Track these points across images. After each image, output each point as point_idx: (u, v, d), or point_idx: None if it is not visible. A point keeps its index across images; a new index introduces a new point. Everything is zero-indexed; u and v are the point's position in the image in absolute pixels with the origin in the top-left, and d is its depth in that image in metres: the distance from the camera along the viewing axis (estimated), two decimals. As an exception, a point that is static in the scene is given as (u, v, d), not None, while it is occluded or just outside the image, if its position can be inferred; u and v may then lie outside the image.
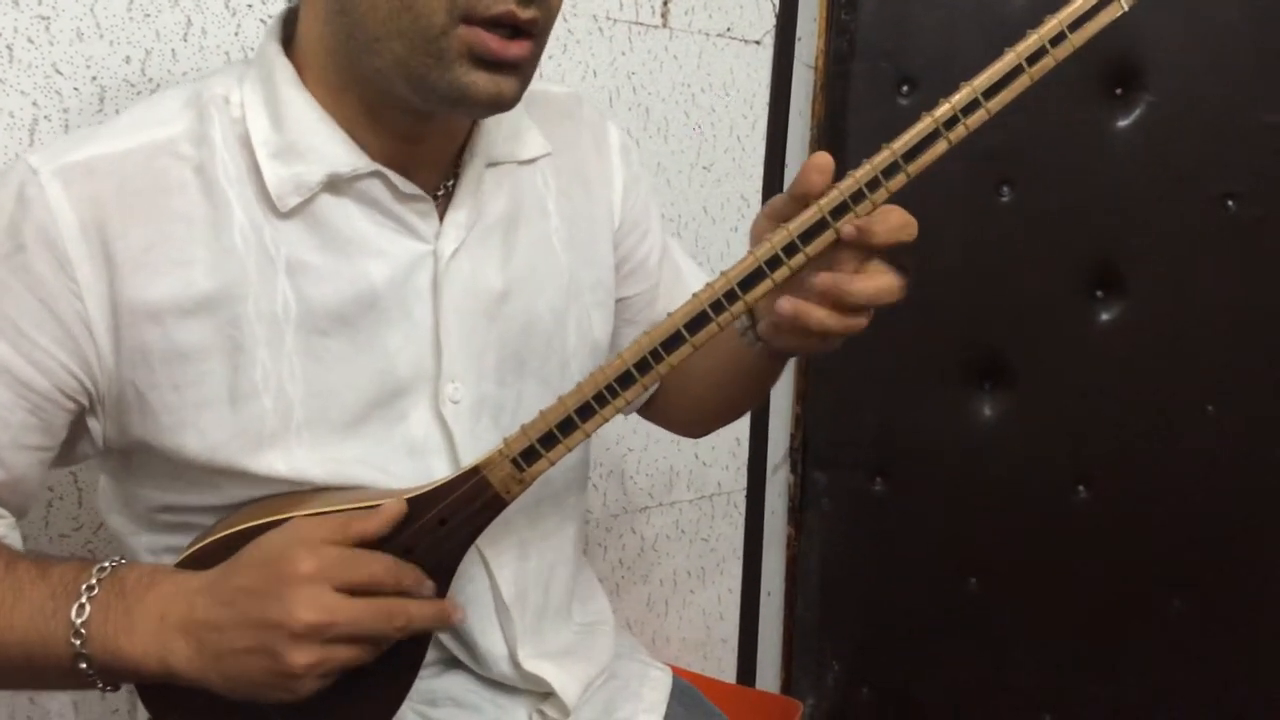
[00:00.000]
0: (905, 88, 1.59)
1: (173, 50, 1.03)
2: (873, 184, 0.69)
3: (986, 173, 1.59)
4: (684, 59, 1.50)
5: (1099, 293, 1.61)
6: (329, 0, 0.73)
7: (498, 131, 0.84)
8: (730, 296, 0.71)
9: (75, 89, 0.98)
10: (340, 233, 0.76)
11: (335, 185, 0.76)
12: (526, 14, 0.70)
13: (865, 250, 0.72)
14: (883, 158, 0.69)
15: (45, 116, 0.97)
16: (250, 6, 1.07)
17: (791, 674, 1.77)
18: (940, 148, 0.69)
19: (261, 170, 0.74)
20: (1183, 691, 1.67)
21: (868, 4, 1.58)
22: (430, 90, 0.72)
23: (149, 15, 1.01)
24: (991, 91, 0.68)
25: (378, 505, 0.73)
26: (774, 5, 1.59)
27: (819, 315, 0.71)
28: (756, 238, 0.74)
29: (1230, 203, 1.58)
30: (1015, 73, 0.68)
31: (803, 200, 0.71)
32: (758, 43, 1.59)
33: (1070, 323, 1.62)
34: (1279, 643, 1.66)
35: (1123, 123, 1.57)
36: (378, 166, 0.76)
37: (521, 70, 0.73)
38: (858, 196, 0.70)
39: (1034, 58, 0.68)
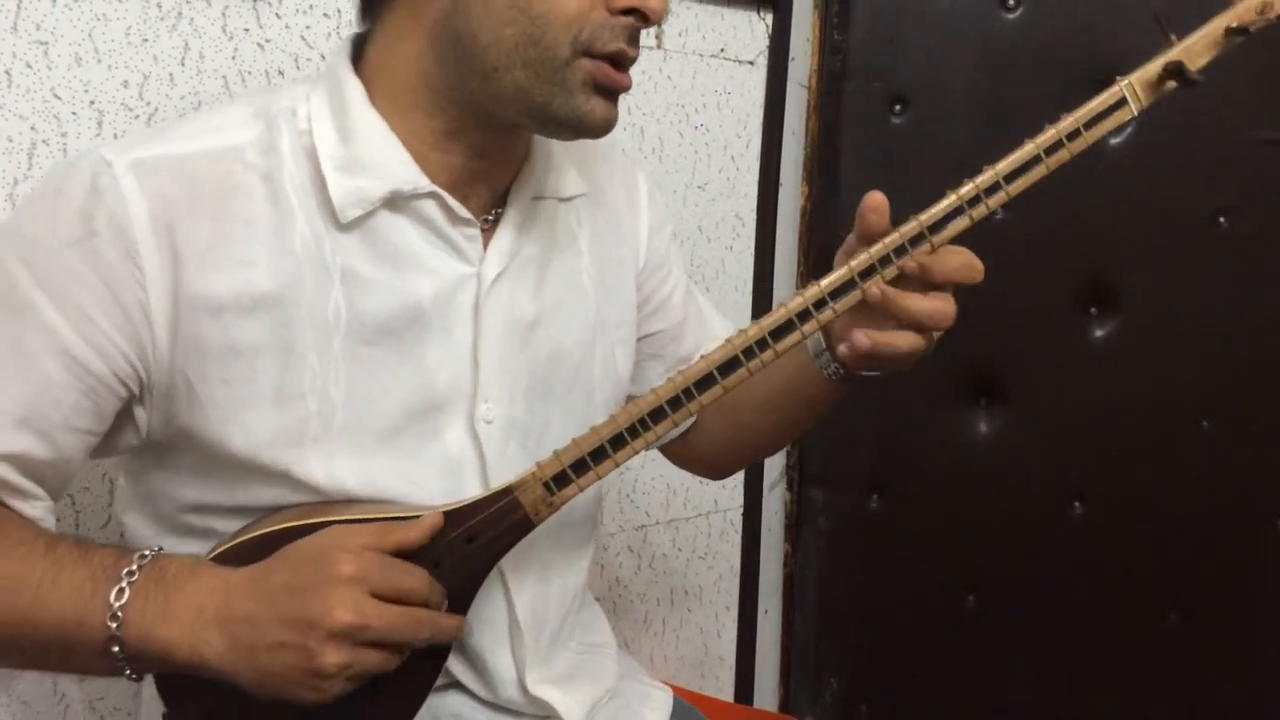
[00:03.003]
0: (897, 107, 1.60)
1: (170, 75, 1.04)
2: (899, 251, 0.76)
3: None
4: (678, 79, 1.51)
5: (1093, 309, 1.62)
6: (437, 31, 0.77)
7: (544, 169, 0.87)
8: (761, 344, 0.77)
9: (73, 113, 0.99)
10: (394, 248, 0.79)
11: (394, 202, 0.78)
12: (634, 52, 0.78)
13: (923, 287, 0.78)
14: (910, 228, 0.76)
15: (44, 140, 0.98)
16: (247, 30, 1.08)
17: (789, 692, 1.77)
18: (962, 223, 0.76)
19: (326, 181, 0.76)
20: (1181, 706, 1.67)
21: (860, 24, 1.59)
22: (551, 116, 0.77)
23: (146, 40, 1.02)
24: (1011, 176, 0.76)
25: (416, 516, 0.75)
26: (767, 26, 1.60)
27: (899, 340, 0.78)
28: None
29: (1223, 219, 1.59)
30: (1034, 161, 0.76)
31: (867, 241, 0.77)
32: (751, 63, 1.60)
33: (1065, 339, 1.63)
34: (1276, 656, 1.66)
35: (1115, 140, 1.58)
36: (436, 188, 0.79)
37: (619, 99, 0.79)
38: (885, 261, 0.76)
39: (1051, 149, 0.76)
